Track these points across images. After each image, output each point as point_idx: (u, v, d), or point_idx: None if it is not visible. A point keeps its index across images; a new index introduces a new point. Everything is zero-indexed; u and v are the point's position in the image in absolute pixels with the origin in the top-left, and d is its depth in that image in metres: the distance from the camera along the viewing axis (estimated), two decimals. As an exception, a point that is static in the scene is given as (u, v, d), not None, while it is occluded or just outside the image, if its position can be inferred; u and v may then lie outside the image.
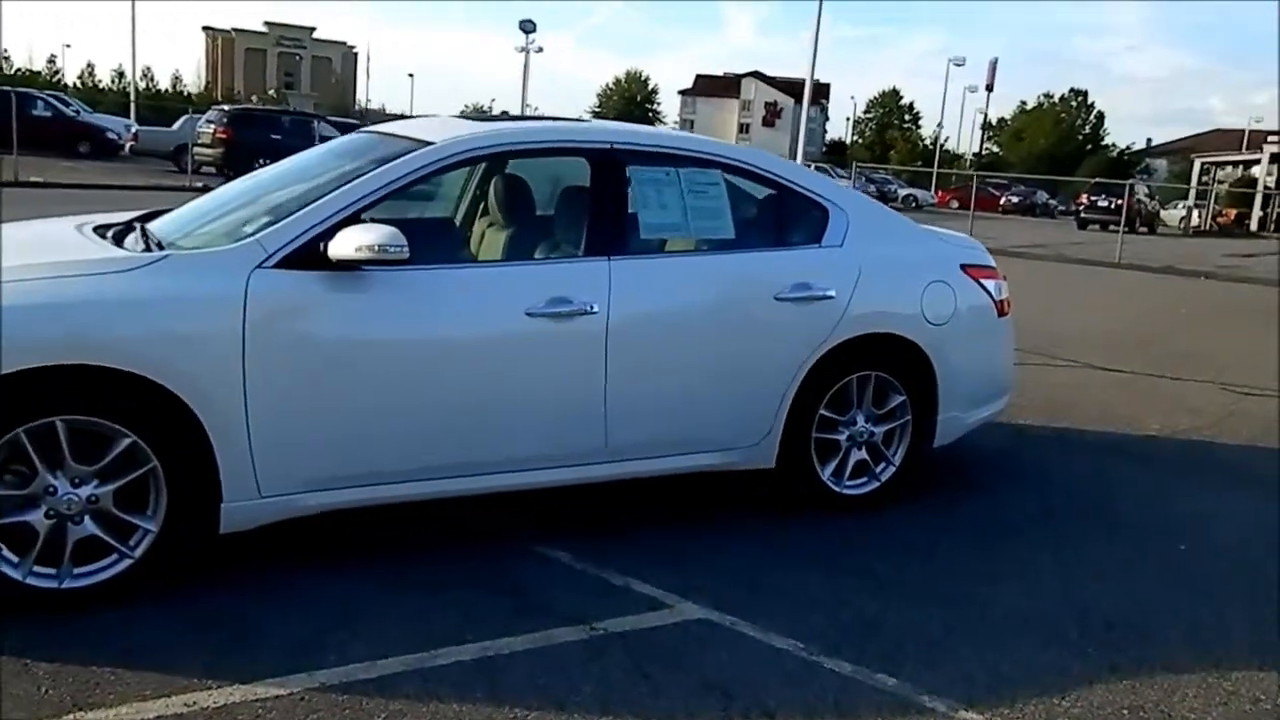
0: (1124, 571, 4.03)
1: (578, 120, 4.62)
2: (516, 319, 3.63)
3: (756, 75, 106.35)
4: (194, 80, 79.19)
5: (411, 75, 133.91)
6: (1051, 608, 3.66)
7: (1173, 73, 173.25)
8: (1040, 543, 4.29)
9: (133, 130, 27.00)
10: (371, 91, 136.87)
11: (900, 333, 4.33)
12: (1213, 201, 42.05)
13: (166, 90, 61.85)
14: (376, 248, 3.25)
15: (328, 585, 3.42)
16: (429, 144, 3.72)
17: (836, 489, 4.36)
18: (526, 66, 48.29)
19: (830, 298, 4.15)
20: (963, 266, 4.61)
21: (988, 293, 4.65)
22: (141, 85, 43.81)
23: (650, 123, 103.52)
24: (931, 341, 4.39)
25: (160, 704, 2.69)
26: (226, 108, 26.93)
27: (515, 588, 3.51)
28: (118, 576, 3.17)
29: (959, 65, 51.70)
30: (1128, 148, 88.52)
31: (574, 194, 4.10)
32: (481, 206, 4.63)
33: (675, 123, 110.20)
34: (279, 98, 68.82)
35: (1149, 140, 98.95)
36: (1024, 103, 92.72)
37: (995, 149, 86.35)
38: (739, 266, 4.13)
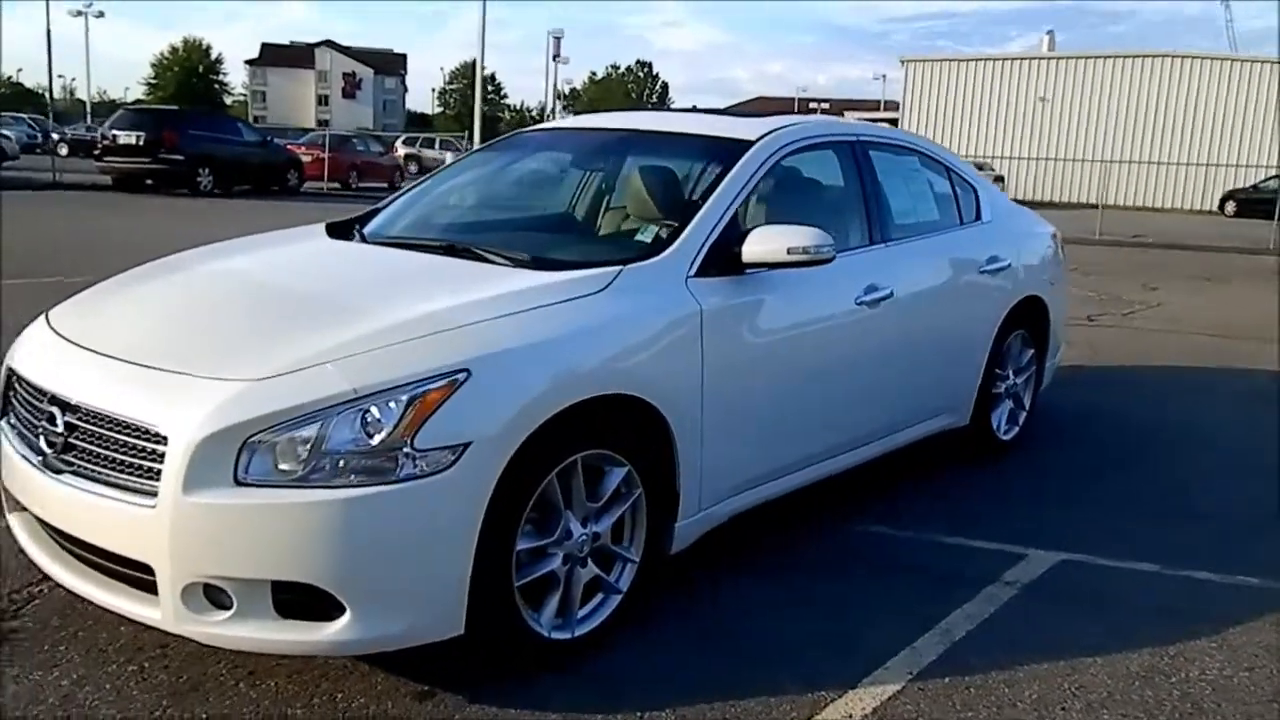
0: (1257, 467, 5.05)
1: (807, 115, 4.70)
2: (851, 307, 3.78)
3: (330, 45, 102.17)
4: None
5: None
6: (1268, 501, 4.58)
7: (704, 46, 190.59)
8: (1164, 460, 5.21)
9: None
10: None
11: (1039, 294, 4.96)
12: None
13: None
14: (812, 249, 3.26)
15: (769, 587, 3.43)
16: (747, 141, 3.71)
17: (1000, 436, 4.94)
18: (71, 36, 42.79)
19: (1010, 267, 4.68)
20: (1052, 235, 5.33)
21: (1063, 256, 5.42)
22: None
23: (218, 94, 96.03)
24: (1049, 299, 5.07)
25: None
26: None
27: (893, 564, 3.70)
28: (611, 615, 2.98)
29: (559, 38, 53.14)
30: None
31: (828, 184, 4.25)
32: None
33: (244, 95, 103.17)
34: None
35: (694, 107, 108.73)
36: (594, 73, 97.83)
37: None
38: (955, 244, 4.52)
